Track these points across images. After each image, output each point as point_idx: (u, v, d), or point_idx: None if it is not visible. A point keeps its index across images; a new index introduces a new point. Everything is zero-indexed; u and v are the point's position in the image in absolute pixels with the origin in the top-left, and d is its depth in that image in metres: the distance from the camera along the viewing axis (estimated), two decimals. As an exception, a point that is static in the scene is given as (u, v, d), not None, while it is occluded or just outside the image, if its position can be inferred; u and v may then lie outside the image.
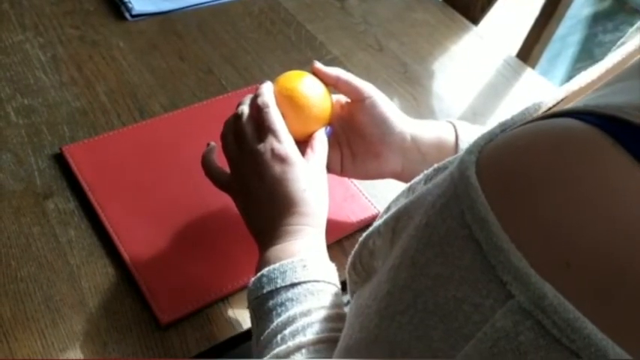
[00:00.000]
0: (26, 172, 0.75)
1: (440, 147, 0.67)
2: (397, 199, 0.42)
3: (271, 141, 0.59)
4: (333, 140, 0.69)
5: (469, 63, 1.03)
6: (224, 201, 0.65)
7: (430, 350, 0.30)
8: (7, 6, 1.00)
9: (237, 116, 0.63)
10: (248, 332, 0.61)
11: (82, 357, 0.59)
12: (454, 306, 0.29)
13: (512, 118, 0.36)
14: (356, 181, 0.78)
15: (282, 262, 0.54)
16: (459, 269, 0.29)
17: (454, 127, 0.68)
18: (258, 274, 0.55)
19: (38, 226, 0.70)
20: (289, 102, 0.64)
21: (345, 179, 0.78)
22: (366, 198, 0.76)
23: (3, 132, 0.80)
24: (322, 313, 0.51)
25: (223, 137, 0.64)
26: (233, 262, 0.67)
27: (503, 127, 0.34)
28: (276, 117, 0.61)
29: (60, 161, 0.77)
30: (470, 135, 0.68)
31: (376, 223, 0.41)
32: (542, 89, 1.00)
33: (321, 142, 0.64)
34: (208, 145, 0.67)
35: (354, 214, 0.74)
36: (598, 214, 0.27)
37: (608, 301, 0.26)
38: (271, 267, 0.54)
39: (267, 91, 0.63)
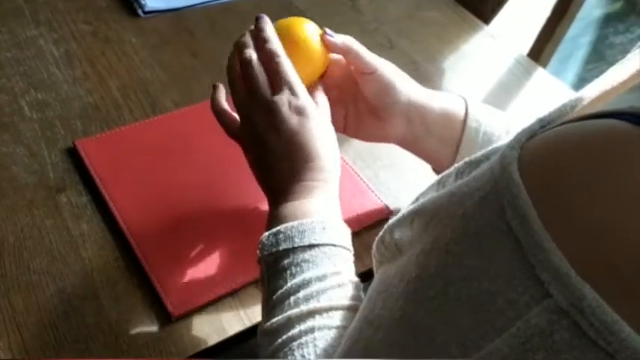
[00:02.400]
0: (39, 166, 0.76)
1: (446, 118, 0.67)
2: (426, 192, 0.42)
3: (287, 93, 0.58)
4: (338, 97, 0.69)
5: (480, 62, 1.03)
6: (235, 195, 0.66)
7: (457, 337, 0.30)
8: (21, 1, 1.01)
9: (246, 62, 0.60)
10: (257, 327, 0.61)
11: (93, 349, 0.60)
12: (487, 299, 0.29)
13: (549, 115, 0.36)
14: (365, 178, 0.78)
15: (301, 221, 0.53)
16: (495, 263, 0.29)
17: (465, 102, 0.68)
18: (274, 229, 0.53)
19: (51, 219, 0.70)
20: (294, 48, 0.62)
21: (355, 176, 0.78)
22: (376, 195, 0.76)
23: (17, 126, 0.81)
24: (337, 280, 0.51)
25: (231, 85, 0.62)
26: (243, 257, 0.67)
27: (542, 124, 0.34)
28: (289, 68, 0.59)
29: (73, 155, 0.78)
30: (480, 113, 0.67)
31: (403, 211, 0.41)
32: (554, 89, 1.00)
33: (323, 96, 0.63)
34: (215, 86, 0.65)
35: (363, 211, 0.75)
36: None
37: None
38: (289, 224, 0.53)
39: (274, 35, 0.61)
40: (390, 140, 0.69)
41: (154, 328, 0.62)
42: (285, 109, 0.57)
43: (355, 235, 0.72)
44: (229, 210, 0.72)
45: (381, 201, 0.76)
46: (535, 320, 0.27)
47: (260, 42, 0.61)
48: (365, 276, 0.58)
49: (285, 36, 0.63)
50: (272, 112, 0.57)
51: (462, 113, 0.67)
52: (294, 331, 0.48)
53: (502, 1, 1.19)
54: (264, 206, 0.62)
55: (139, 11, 1.02)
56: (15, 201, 0.72)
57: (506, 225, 0.29)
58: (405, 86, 0.67)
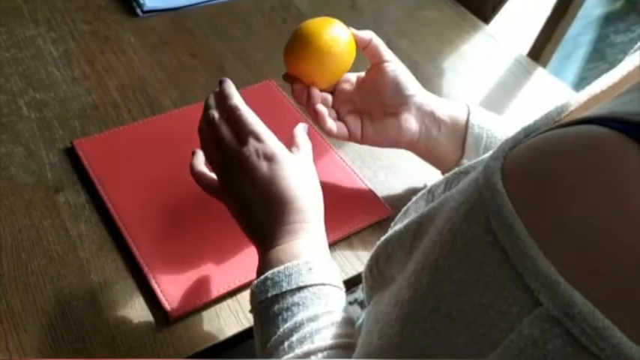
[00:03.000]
0: (37, 166, 0.76)
1: (452, 119, 0.70)
2: (416, 201, 0.41)
3: (253, 142, 0.58)
4: (352, 110, 0.72)
5: (480, 61, 1.03)
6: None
7: (453, 356, 0.30)
8: (20, 1, 1.01)
9: (210, 121, 0.61)
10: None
11: (91, 349, 0.60)
12: (479, 312, 0.29)
13: (534, 123, 0.35)
14: (365, 178, 0.78)
15: (286, 265, 0.53)
16: (484, 275, 0.29)
17: (467, 106, 0.71)
18: (262, 276, 0.53)
19: (49, 220, 0.70)
20: (318, 48, 0.67)
21: (355, 176, 0.78)
22: (376, 195, 0.76)
23: (15, 126, 0.81)
24: (329, 319, 0.50)
25: (204, 147, 0.63)
26: (241, 258, 0.67)
27: (527, 133, 0.34)
28: (251, 117, 0.60)
29: (71, 155, 0.77)
30: (481, 117, 0.71)
31: (395, 227, 0.41)
32: (554, 89, 0.99)
33: (303, 137, 0.64)
34: (193, 152, 0.66)
35: (363, 211, 0.74)
36: (626, 220, 0.27)
37: (637, 309, 0.26)
38: (275, 270, 0.53)
39: (234, 92, 0.62)
40: (405, 141, 0.71)
41: (152, 328, 0.62)
42: (253, 158, 0.58)
43: (355, 235, 0.73)
44: (228, 210, 0.72)
45: (381, 201, 0.76)
46: (527, 331, 0.27)
47: (222, 101, 0.62)
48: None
49: (320, 38, 0.68)
50: (241, 162, 0.58)
51: (464, 115, 0.71)
52: None
53: (502, 0, 1.19)
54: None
55: (138, 10, 1.02)
56: (13, 201, 0.72)
57: (492, 236, 0.29)
58: (416, 83, 0.71)
